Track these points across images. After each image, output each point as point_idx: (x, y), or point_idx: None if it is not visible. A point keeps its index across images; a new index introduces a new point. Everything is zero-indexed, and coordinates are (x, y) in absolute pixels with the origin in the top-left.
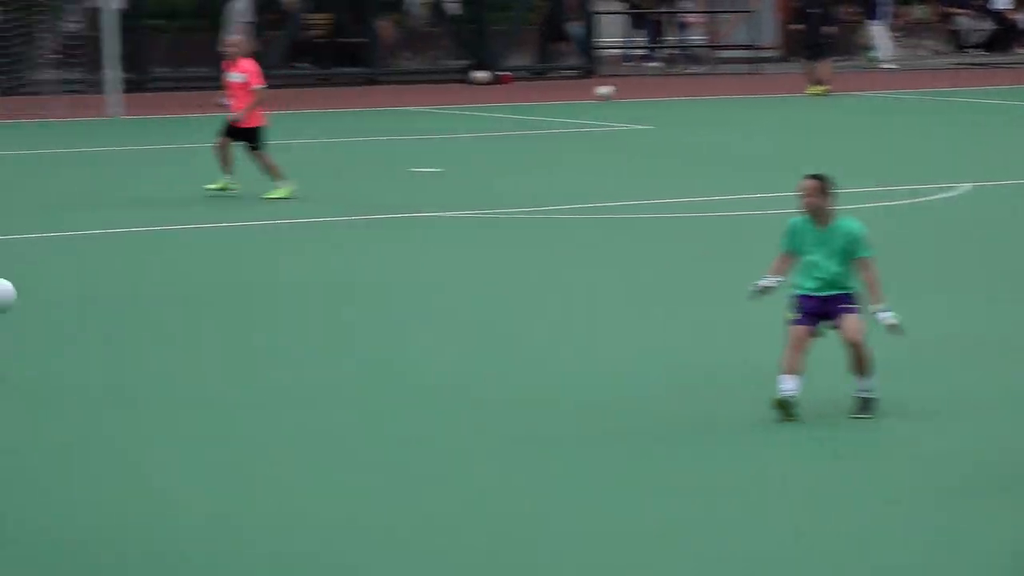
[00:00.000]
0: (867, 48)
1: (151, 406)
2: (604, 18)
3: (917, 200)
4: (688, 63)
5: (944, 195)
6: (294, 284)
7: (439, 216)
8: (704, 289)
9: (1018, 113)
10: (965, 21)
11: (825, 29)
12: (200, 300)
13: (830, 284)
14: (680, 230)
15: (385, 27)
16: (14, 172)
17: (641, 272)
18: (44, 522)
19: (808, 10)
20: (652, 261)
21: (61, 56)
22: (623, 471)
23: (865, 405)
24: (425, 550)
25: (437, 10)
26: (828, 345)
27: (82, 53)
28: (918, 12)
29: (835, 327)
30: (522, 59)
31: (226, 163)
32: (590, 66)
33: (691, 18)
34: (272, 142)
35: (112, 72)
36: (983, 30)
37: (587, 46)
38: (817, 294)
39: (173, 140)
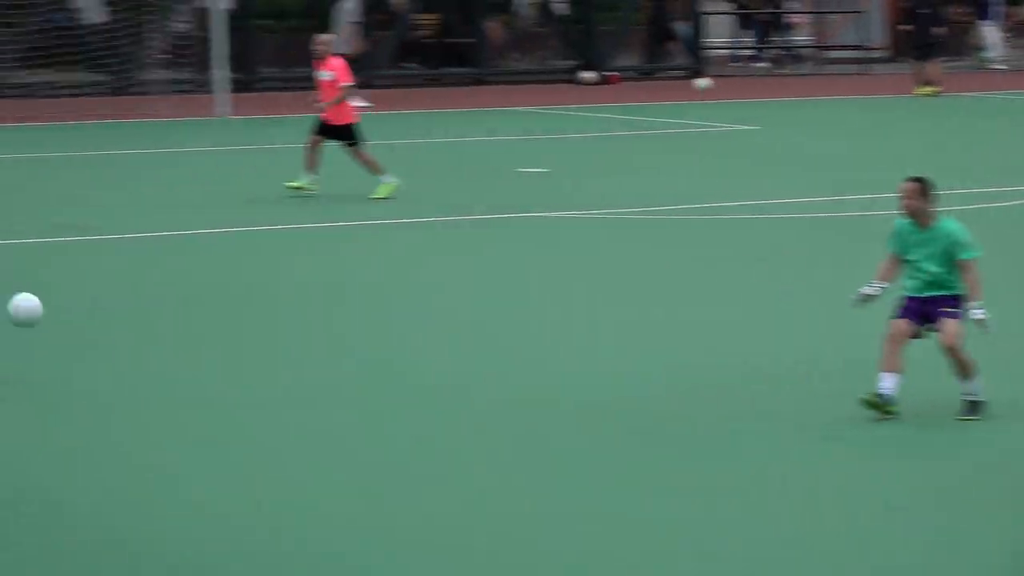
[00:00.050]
0: (978, 48)
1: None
2: (712, 18)
3: None
4: (795, 64)
5: None
6: (393, 284)
7: (545, 216)
8: (805, 291)
9: None
10: None
11: (934, 29)
12: (297, 300)
13: (931, 285)
14: (785, 231)
15: (493, 27)
16: (122, 171)
17: (739, 272)
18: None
19: (918, 10)
20: (752, 262)
21: (170, 56)
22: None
23: (972, 408)
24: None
25: (545, 10)
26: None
27: (191, 53)
28: None
29: (936, 331)
30: (630, 59)
31: (312, 162)
32: (697, 66)
33: (795, 18)
34: (379, 141)
35: (220, 72)
36: None
37: (694, 46)
38: (919, 295)
39: (280, 140)
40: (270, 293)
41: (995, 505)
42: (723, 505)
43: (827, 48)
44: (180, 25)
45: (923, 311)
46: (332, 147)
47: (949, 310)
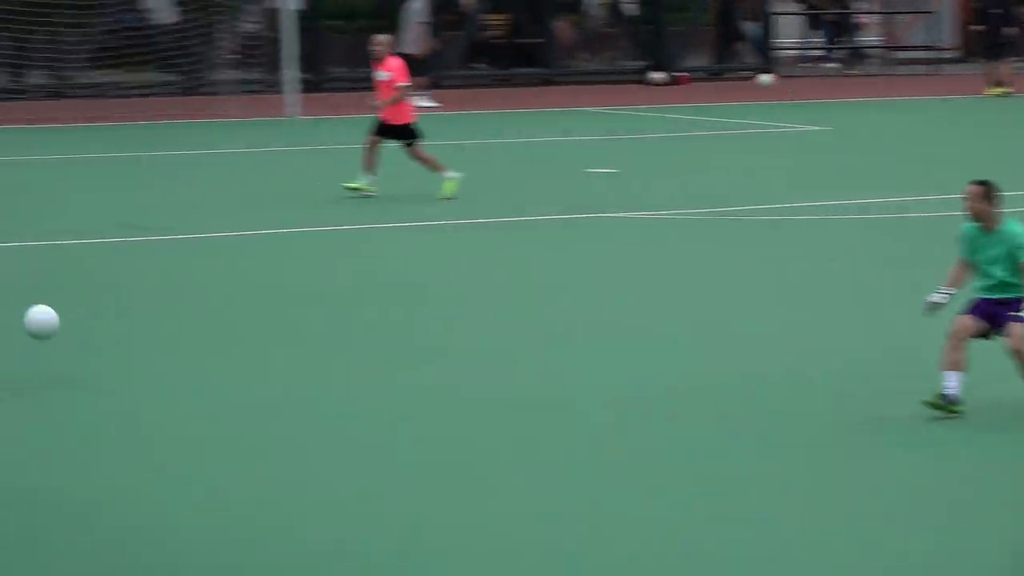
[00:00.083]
0: None
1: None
2: (781, 18)
3: None
4: (865, 64)
5: None
6: (465, 285)
7: (615, 217)
8: (877, 292)
9: None
10: None
11: (1006, 30)
12: (374, 300)
13: (997, 288)
14: (855, 232)
15: (563, 28)
16: (191, 171)
17: (810, 273)
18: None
19: (989, 10)
20: (823, 262)
21: (239, 56)
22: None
23: None
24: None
25: (615, 11)
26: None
27: (260, 53)
28: None
29: (1003, 335)
30: (699, 60)
31: (370, 163)
32: (767, 67)
33: (863, 18)
34: (448, 142)
35: (290, 72)
36: None
37: (764, 47)
38: (988, 296)
39: (349, 140)
40: (343, 293)
41: None
42: (802, 504)
43: (897, 48)
44: (250, 25)
45: (991, 312)
46: (397, 148)
47: (1015, 313)
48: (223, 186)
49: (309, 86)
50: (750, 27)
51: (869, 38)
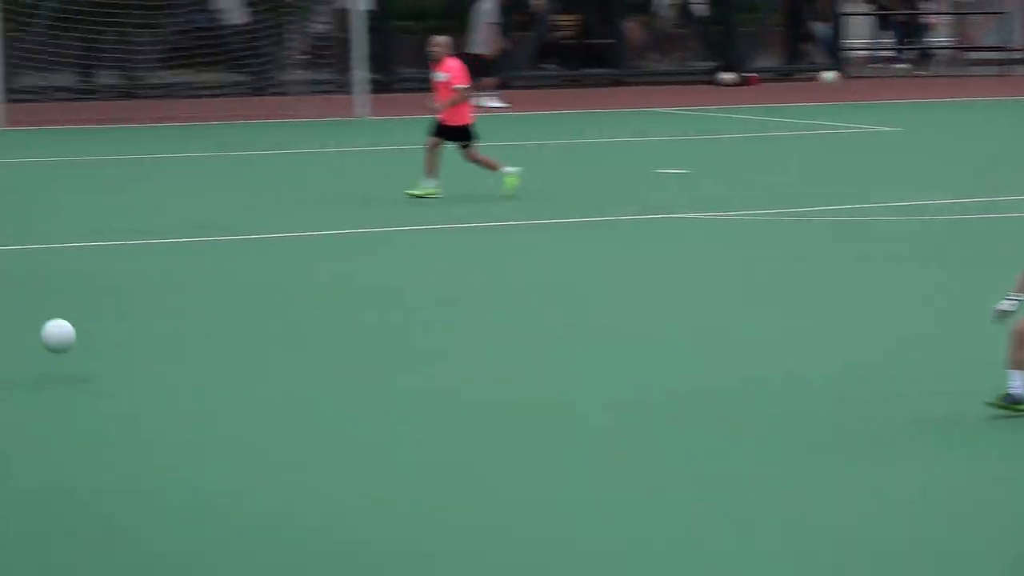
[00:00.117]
0: None
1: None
2: (851, 19)
3: None
4: (935, 65)
5: None
6: (535, 285)
7: (684, 217)
8: (948, 291)
9: None
10: None
11: None
12: (445, 301)
13: None
14: (925, 232)
15: (633, 28)
16: (261, 172)
17: (881, 273)
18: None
19: None
20: (894, 262)
21: (310, 57)
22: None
23: None
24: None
25: (685, 11)
26: None
27: (330, 54)
28: None
29: None
30: (769, 60)
31: (432, 166)
32: (837, 67)
33: (933, 19)
34: (518, 142)
35: (360, 73)
36: None
37: (834, 47)
38: None
39: (418, 141)
40: (412, 294)
41: None
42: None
43: (968, 49)
44: (320, 26)
45: None
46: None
47: None
48: (290, 186)
49: (379, 86)
50: (820, 27)
51: (939, 39)
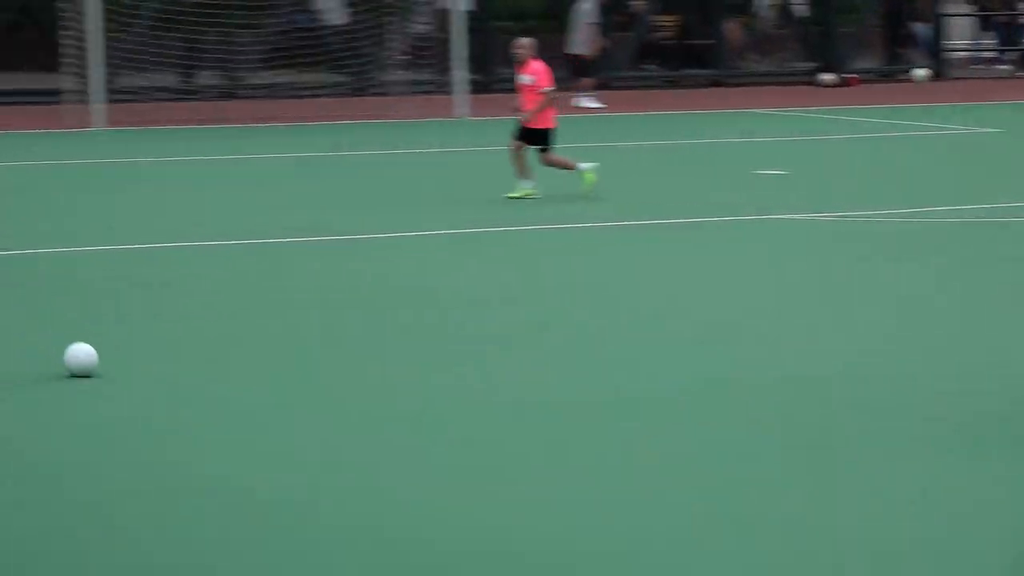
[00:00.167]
0: None
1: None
2: (953, 20)
3: None
4: None
5: None
6: (633, 286)
7: (783, 219)
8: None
9: None
10: None
11: None
12: (544, 301)
13: None
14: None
15: (733, 29)
16: (361, 172)
17: (985, 276)
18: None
19: None
20: (998, 263)
21: (410, 57)
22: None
23: None
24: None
25: (785, 12)
26: None
27: (431, 54)
28: None
29: None
30: (868, 61)
31: (522, 168)
32: (937, 68)
33: None
34: (616, 143)
35: (459, 73)
36: None
37: (935, 48)
38: None
39: None
40: (514, 295)
41: None
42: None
43: None
44: (421, 26)
45: None
46: (570, 149)
47: None
48: (387, 187)
49: (478, 87)
50: (920, 28)
51: None
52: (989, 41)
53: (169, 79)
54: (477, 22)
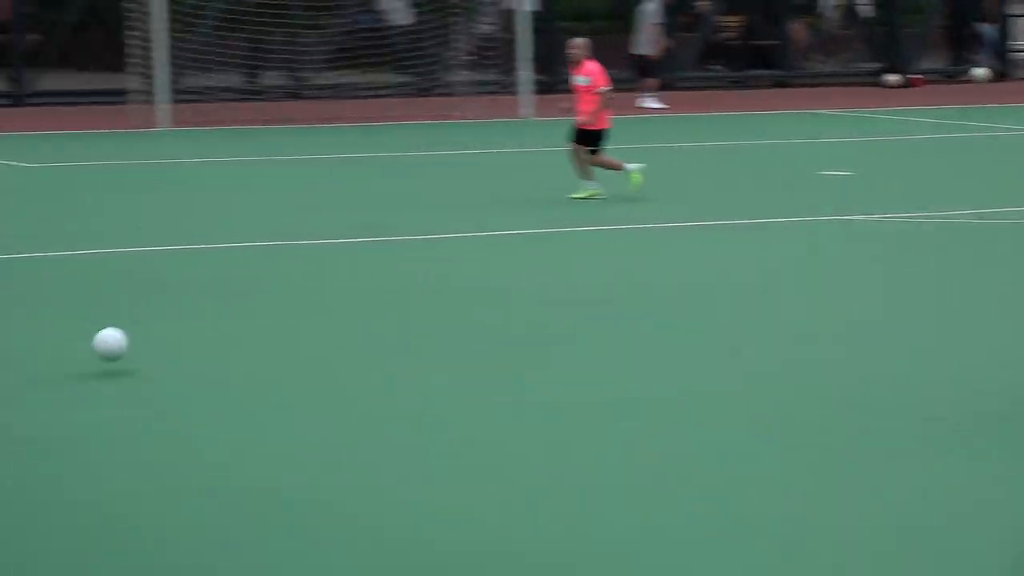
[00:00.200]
0: None
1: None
2: (1018, 20)
3: None
4: None
5: None
6: (701, 287)
7: (847, 219)
8: None
9: None
10: None
11: None
12: (614, 302)
13: None
14: None
15: (798, 29)
16: (424, 172)
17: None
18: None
19: None
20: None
21: (475, 57)
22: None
23: None
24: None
25: (850, 12)
26: None
27: (496, 54)
28: None
29: None
30: (934, 62)
31: (585, 170)
32: (1003, 69)
33: None
34: (679, 143)
35: (525, 74)
36: None
37: (1000, 49)
38: None
39: None
40: (578, 295)
41: None
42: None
43: None
44: (486, 27)
45: None
46: (621, 149)
47: None
48: (449, 188)
49: (543, 87)
50: (985, 29)
51: None
52: None
53: (234, 79)
54: (542, 22)
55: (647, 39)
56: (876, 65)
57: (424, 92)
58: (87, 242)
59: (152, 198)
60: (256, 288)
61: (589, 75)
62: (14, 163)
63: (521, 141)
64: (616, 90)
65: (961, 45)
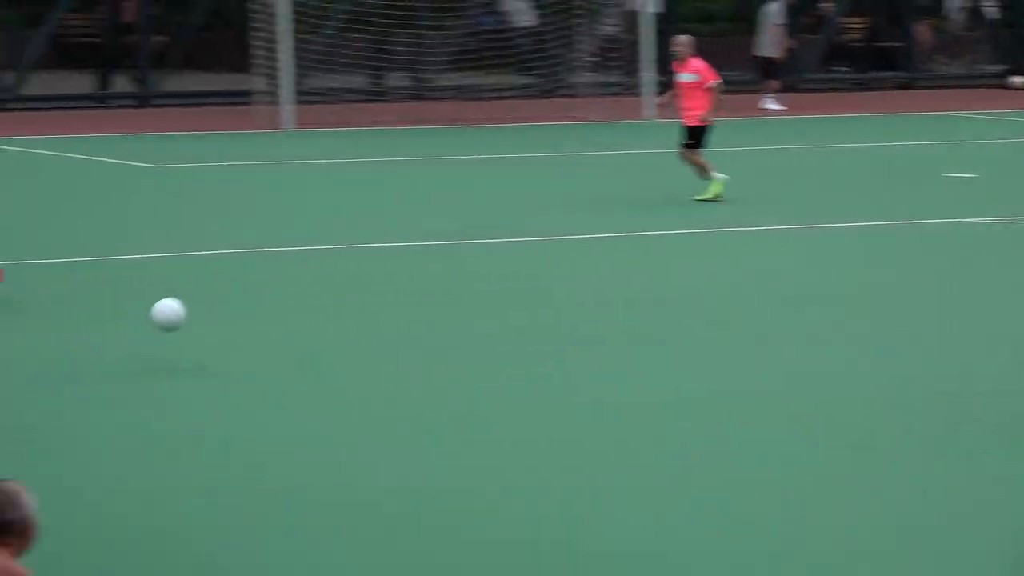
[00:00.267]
0: None
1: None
2: None
3: None
4: None
5: None
6: (816, 289)
7: (972, 222)
8: None
9: None
10: None
11: None
12: (720, 302)
13: None
14: None
15: (922, 31)
16: (547, 173)
17: None
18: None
19: None
20: None
21: (598, 59)
22: None
23: None
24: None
25: (976, 13)
26: None
27: (619, 56)
28: None
29: None
30: None
31: (703, 168)
32: None
33: None
34: (807, 145)
35: (648, 75)
36: None
37: None
38: None
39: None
40: (694, 294)
41: None
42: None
43: None
44: (609, 28)
45: None
46: (742, 151)
47: None
48: (570, 188)
49: (666, 89)
50: None
51: None
52: None
53: (358, 80)
54: (665, 24)
55: (770, 41)
56: (1001, 66)
57: (547, 93)
58: (212, 242)
59: (276, 198)
60: (374, 286)
61: (696, 72)
62: (139, 164)
63: (643, 142)
64: (739, 91)
65: None
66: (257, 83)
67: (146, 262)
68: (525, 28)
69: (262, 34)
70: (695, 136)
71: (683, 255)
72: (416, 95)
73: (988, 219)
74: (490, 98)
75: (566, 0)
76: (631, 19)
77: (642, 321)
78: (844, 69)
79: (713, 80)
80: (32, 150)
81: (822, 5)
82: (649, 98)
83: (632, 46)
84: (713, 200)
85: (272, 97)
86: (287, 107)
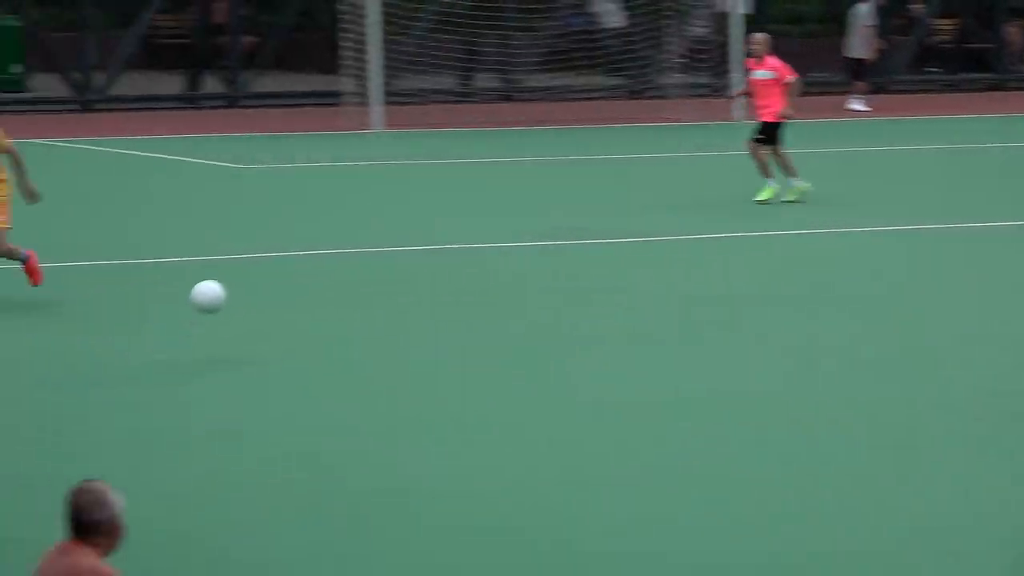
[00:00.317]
0: None
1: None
2: None
3: None
4: None
5: None
6: (896, 292)
7: None
8: None
9: None
10: None
11: None
12: (800, 304)
13: None
14: None
15: (1014, 32)
16: (634, 175)
17: None
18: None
19: None
20: None
21: (688, 60)
22: None
23: None
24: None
25: None
26: None
27: (709, 57)
28: None
29: None
30: None
31: (789, 168)
32: None
33: None
34: (900, 147)
35: (738, 76)
36: None
37: None
38: None
39: (791, 145)
40: (778, 294)
41: None
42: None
43: None
44: (698, 29)
45: None
46: (826, 153)
47: None
48: (658, 190)
49: None
50: None
51: None
52: None
53: (446, 81)
54: (754, 25)
55: (860, 42)
56: None
57: (636, 94)
58: (302, 243)
59: (362, 199)
60: (462, 286)
61: (773, 69)
62: (229, 164)
63: (733, 144)
64: (828, 92)
65: None
66: (346, 84)
67: (216, 263)
68: (614, 29)
69: (351, 35)
70: (768, 132)
71: (763, 258)
72: (505, 96)
73: None
74: (578, 99)
75: (656, 1)
76: (720, 20)
77: (726, 319)
78: (935, 70)
79: (790, 76)
80: (122, 151)
81: (912, 6)
82: (739, 99)
83: (722, 47)
84: (796, 200)
85: (361, 98)
86: (376, 108)
